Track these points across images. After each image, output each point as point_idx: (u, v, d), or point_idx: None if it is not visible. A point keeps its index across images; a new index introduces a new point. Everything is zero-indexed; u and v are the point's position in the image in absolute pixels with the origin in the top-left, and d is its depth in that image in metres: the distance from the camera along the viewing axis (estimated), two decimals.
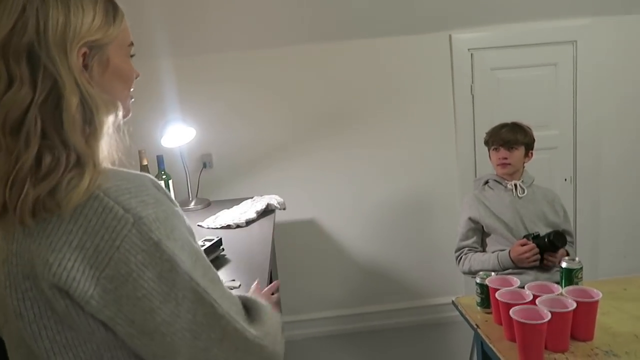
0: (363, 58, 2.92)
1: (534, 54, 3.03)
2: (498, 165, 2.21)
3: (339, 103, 2.95)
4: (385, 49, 2.93)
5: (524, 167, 2.25)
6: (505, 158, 2.17)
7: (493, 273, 1.64)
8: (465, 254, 2.22)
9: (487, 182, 2.27)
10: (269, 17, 2.80)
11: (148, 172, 2.43)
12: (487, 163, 2.93)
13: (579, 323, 1.36)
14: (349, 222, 3.05)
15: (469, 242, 2.23)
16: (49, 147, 0.64)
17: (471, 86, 3.01)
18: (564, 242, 1.99)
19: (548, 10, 2.95)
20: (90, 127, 0.68)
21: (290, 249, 3.02)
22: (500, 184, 2.22)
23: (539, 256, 1.99)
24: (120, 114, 0.75)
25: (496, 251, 2.11)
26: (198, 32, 2.78)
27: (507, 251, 2.05)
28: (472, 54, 2.99)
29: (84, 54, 0.70)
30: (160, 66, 2.74)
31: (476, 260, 2.15)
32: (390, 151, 3.01)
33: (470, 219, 2.22)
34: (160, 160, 2.47)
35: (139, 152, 2.37)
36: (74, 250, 0.63)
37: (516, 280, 1.54)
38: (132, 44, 0.79)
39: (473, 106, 3.03)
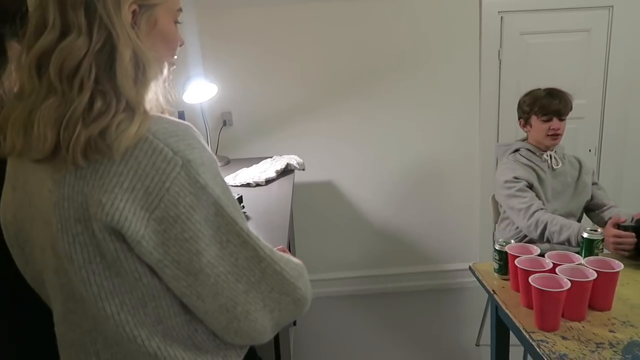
0: (388, 18, 2.85)
1: (567, 18, 2.91)
2: (549, 135, 2.07)
3: (361, 63, 2.89)
4: (412, 9, 2.84)
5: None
6: (558, 129, 2.07)
7: (512, 241, 1.63)
8: (536, 216, 1.94)
9: (517, 150, 2.17)
10: None
11: None
12: (510, 130, 2.91)
13: (598, 293, 1.36)
14: (367, 185, 3.05)
15: (532, 194, 2.01)
16: (101, 93, 0.67)
17: (499, 50, 2.92)
18: None
19: None
20: (141, 78, 0.70)
21: (307, 209, 3.04)
22: (535, 154, 2.13)
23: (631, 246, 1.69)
24: (165, 71, 0.78)
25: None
26: None
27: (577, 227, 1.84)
28: (502, 17, 2.89)
29: (134, 11, 0.71)
30: (183, 18, 2.70)
31: (551, 226, 1.89)
32: (411, 115, 2.97)
33: (515, 177, 2.05)
34: (181, 116, 2.47)
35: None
36: (125, 191, 0.65)
37: (536, 249, 1.53)
38: (180, 9, 0.81)
39: (500, 71, 2.95)
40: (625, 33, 2.91)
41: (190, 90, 2.41)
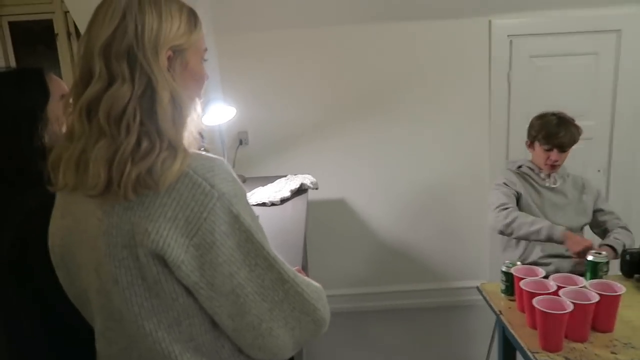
0: (401, 41, 2.94)
1: (575, 42, 2.98)
2: (547, 165, 2.15)
3: (374, 85, 2.99)
4: (424, 33, 2.93)
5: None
6: (556, 160, 2.13)
7: (519, 262, 1.69)
8: (510, 210, 2.06)
9: (520, 167, 2.26)
10: None
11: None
12: (519, 151, 2.96)
13: (600, 315, 1.41)
14: (379, 203, 3.12)
15: (513, 202, 2.12)
16: (146, 134, 0.75)
17: (508, 73, 2.99)
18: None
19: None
20: (178, 117, 0.78)
21: (320, 226, 3.12)
22: (534, 171, 2.21)
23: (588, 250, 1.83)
24: (198, 107, 0.86)
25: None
26: (239, 9, 2.82)
27: (562, 228, 1.97)
28: (511, 40, 2.96)
29: (169, 57, 0.80)
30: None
31: (522, 217, 2.01)
32: (422, 136, 3.05)
33: (506, 183, 2.17)
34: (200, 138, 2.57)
35: None
36: (168, 220, 0.74)
37: (541, 271, 1.58)
38: (206, 49, 0.89)
39: (509, 94, 3.02)
40: (633, 56, 2.97)
41: (209, 113, 2.51)
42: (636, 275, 1.74)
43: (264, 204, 2.30)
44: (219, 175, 0.77)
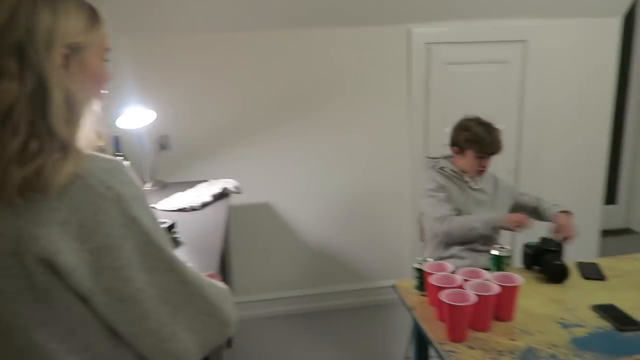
0: (323, 46, 2.99)
1: (487, 51, 3.16)
2: (477, 170, 2.24)
3: (296, 90, 3.01)
4: (346, 39, 2.99)
5: None
6: (485, 167, 2.23)
7: (430, 259, 1.77)
8: (451, 220, 2.16)
9: (442, 168, 2.29)
10: (231, 1, 2.82)
11: (103, 153, 2.44)
12: (437, 153, 3.10)
13: (501, 305, 1.51)
14: (303, 206, 3.15)
15: (449, 207, 2.19)
16: (35, 134, 0.70)
17: (426, 79, 3.12)
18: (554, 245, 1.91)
19: (501, 9, 3.07)
20: (73, 118, 0.75)
21: (245, 231, 3.10)
22: (456, 173, 2.27)
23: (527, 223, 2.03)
24: (96, 107, 0.83)
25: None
26: (158, 10, 2.75)
27: (499, 214, 2.13)
28: (428, 48, 3.09)
29: (66, 54, 0.76)
30: (118, 44, 2.72)
31: (458, 220, 2.14)
32: (344, 139, 3.11)
33: (439, 187, 2.23)
34: (116, 141, 2.48)
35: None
36: (59, 225, 0.70)
37: (449, 266, 1.67)
38: (108, 49, 0.85)
39: (427, 99, 3.15)
40: (538, 64, 3.20)
41: (125, 116, 2.43)
42: (535, 267, 1.86)
43: (183, 209, 2.25)
44: (117, 177, 0.75)
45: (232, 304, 0.92)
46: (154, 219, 0.80)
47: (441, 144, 2.97)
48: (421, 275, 1.73)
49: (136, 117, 2.48)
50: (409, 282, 1.83)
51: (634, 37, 4.22)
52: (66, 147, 0.72)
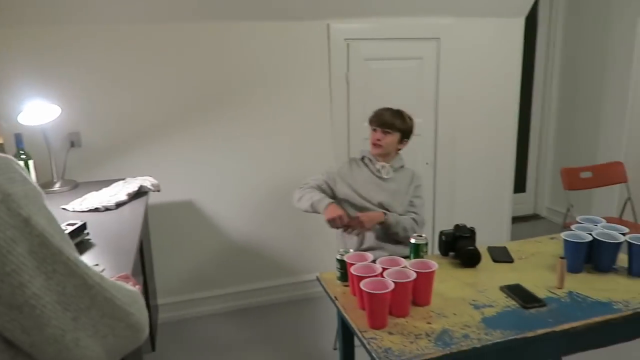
0: (244, 41, 2.94)
1: (403, 47, 3.28)
2: (372, 144, 2.38)
3: (215, 85, 2.95)
4: (267, 34, 2.97)
5: (397, 152, 2.43)
6: (379, 140, 2.34)
7: (351, 250, 1.80)
8: (304, 188, 2.41)
9: (363, 158, 2.45)
10: None
11: (3, 151, 2.26)
12: (359, 147, 3.16)
13: (418, 291, 1.56)
14: (226, 203, 3.09)
15: (313, 184, 2.42)
16: None
17: (346, 74, 3.17)
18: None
19: (417, 8, 3.20)
20: None
21: (167, 230, 2.99)
22: (371, 161, 2.41)
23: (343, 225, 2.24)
24: None
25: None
26: None
27: (327, 202, 2.26)
28: (348, 44, 3.15)
29: None
30: (18, 35, 2.52)
31: (305, 194, 2.36)
32: (268, 134, 3.09)
33: (331, 172, 2.44)
34: (18, 138, 2.30)
35: None
36: None
37: (370, 256, 1.70)
38: None
39: (348, 94, 3.20)
40: (451, 61, 3.35)
41: (27, 111, 2.25)
42: (450, 254, 1.96)
43: (96, 210, 2.13)
44: (5, 174, 0.69)
45: (142, 307, 0.87)
46: (50, 219, 0.74)
47: (362, 137, 3.05)
48: (343, 266, 1.76)
49: (40, 112, 2.31)
50: (332, 274, 1.86)
51: (536, 36, 4.55)
52: None
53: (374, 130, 2.37)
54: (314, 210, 2.30)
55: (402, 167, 2.46)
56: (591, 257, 1.81)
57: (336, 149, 3.22)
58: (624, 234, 1.79)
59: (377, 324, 1.47)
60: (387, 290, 1.43)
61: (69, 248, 0.76)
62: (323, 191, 2.40)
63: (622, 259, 1.83)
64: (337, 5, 3.02)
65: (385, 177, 2.37)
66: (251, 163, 3.09)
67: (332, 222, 2.23)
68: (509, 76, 3.55)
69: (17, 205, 0.68)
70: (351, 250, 1.80)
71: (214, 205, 3.08)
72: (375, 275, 1.54)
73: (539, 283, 1.71)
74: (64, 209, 2.14)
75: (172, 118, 2.90)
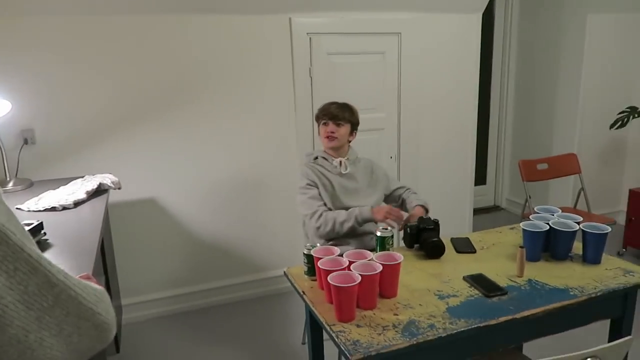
0: (204, 34, 2.89)
1: (365, 42, 3.29)
2: (325, 137, 2.35)
3: (178, 78, 2.89)
4: (227, 27, 2.93)
5: (349, 145, 2.44)
6: (333, 132, 2.33)
7: (318, 244, 1.80)
8: (321, 213, 2.25)
9: (316, 158, 2.41)
10: None
11: None
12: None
13: (384, 283, 1.58)
14: (190, 200, 3.05)
15: (320, 203, 2.28)
16: None
17: (309, 68, 3.17)
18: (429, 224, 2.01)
19: (378, 3, 3.22)
20: None
21: (130, 229, 2.92)
22: (327, 160, 2.38)
23: (400, 215, 2.15)
24: None
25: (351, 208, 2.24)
26: None
27: (367, 207, 2.20)
28: (310, 38, 3.14)
29: None
30: None
31: (329, 215, 2.22)
32: (231, 129, 3.05)
33: (309, 184, 2.31)
34: None
35: None
36: None
37: (336, 250, 1.71)
38: None
39: (311, 88, 3.20)
40: (412, 56, 3.40)
41: None
42: (415, 246, 1.99)
43: (53, 209, 2.05)
44: None
45: (108, 307, 0.85)
46: (10, 215, 0.71)
47: None
48: (310, 260, 1.76)
49: None
50: (300, 269, 1.86)
51: (493, 32, 4.67)
52: None
53: (325, 124, 2.36)
54: (359, 223, 2.20)
55: (357, 158, 2.47)
56: (548, 245, 1.88)
57: (300, 142, 3.22)
58: (578, 223, 1.87)
59: (345, 317, 1.48)
60: (354, 284, 1.44)
61: (31, 245, 0.73)
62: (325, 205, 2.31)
63: (577, 246, 1.91)
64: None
65: (344, 172, 2.37)
66: (214, 159, 3.05)
67: (389, 217, 2.13)
68: (468, 71, 3.63)
69: None
70: (318, 244, 1.80)
71: (176, 203, 3.02)
72: (342, 269, 1.55)
73: (500, 272, 1.76)
74: (18, 208, 2.06)
75: (132, 113, 2.83)
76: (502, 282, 1.68)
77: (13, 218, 0.72)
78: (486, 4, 3.51)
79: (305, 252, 1.77)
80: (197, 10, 2.82)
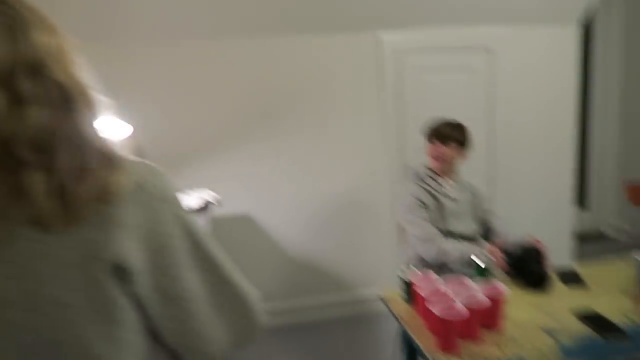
0: (294, 54, 2.98)
1: (458, 57, 3.22)
2: (433, 157, 2.24)
3: (269, 98, 3.00)
4: (315, 46, 3.00)
5: (454, 165, 2.30)
6: (442, 152, 2.21)
7: (413, 267, 1.78)
8: (432, 238, 2.13)
9: (420, 175, 2.30)
10: (201, 10, 2.77)
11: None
12: (413, 159, 3.13)
13: (489, 315, 1.53)
14: (280, 215, 3.13)
15: (431, 225, 2.16)
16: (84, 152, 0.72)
17: (397, 86, 3.15)
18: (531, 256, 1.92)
19: (472, 17, 3.14)
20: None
21: (224, 243, 3.03)
22: (434, 180, 2.26)
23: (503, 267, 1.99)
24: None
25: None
26: (123, 19, 2.68)
27: (481, 250, 2.04)
28: (399, 55, 3.12)
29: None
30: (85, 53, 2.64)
31: (442, 245, 2.10)
32: (321, 147, 3.11)
33: (419, 204, 2.19)
34: None
35: None
36: (125, 229, 0.72)
37: (435, 277, 1.68)
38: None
39: (399, 106, 3.17)
40: (508, 72, 3.28)
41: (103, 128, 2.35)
42: (517, 275, 1.90)
43: None
44: (162, 181, 0.78)
45: (262, 310, 0.93)
46: (196, 221, 0.82)
47: (416, 149, 3.01)
48: (407, 285, 1.74)
49: (109, 130, 2.40)
50: (395, 293, 1.84)
51: (593, 43, 4.38)
52: (111, 157, 0.74)
53: (433, 143, 2.26)
54: (468, 263, 2.03)
55: (462, 180, 2.37)
56: None
57: (389, 161, 3.20)
58: None
59: (448, 348, 1.44)
60: (460, 318, 1.41)
61: (214, 246, 0.84)
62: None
63: None
64: (387, 15, 3.01)
65: (452, 196, 2.27)
66: (305, 176, 3.12)
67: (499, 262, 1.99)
68: (565, 84, 3.42)
69: (176, 207, 0.78)
70: (413, 267, 1.78)
71: (269, 218, 3.11)
72: (445, 298, 1.51)
73: (614, 309, 1.64)
74: None
75: (228, 131, 2.97)
76: (618, 321, 1.56)
77: (198, 224, 0.83)
78: (581, 11, 3.30)
79: (401, 276, 1.75)
80: (289, 31, 2.91)
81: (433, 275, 1.69)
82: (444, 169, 2.27)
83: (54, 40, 0.74)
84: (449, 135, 2.24)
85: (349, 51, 3.05)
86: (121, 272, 0.72)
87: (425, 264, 2.17)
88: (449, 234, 2.17)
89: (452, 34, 3.17)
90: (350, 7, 2.91)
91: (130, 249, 0.72)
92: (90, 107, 0.75)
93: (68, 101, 0.72)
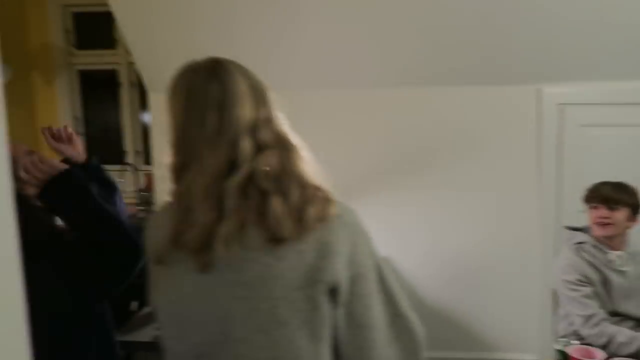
0: (447, 105, 2.98)
1: (629, 113, 2.94)
2: (596, 224, 1.98)
3: (419, 147, 3.02)
4: (471, 98, 2.97)
5: (626, 232, 2.03)
6: (606, 217, 1.95)
7: (575, 341, 1.62)
8: (600, 323, 1.86)
9: (581, 244, 2.03)
10: (363, 59, 2.93)
11: None
12: (573, 222, 2.87)
13: None
14: (420, 264, 3.09)
15: (597, 304, 1.90)
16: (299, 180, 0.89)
17: (559, 142, 2.96)
18: None
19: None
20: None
21: None
22: (599, 249, 1.99)
23: None
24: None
25: None
26: (288, 66, 2.92)
27: None
28: (561, 109, 2.95)
29: None
30: None
31: (624, 332, 1.82)
32: (468, 199, 3.03)
33: (581, 280, 1.94)
34: None
35: None
36: (337, 255, 0.83)
37: (600, 353, 1.51)
38: None
39: (560, 163, 2.97)
40: None
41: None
42: None
43: None
44: (356, 215, 0.90)
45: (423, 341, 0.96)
46: (379, 253, 0.91)
47: (576, 210, 2.78)
48: (564, 357, 1.59)
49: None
50: None
51: None
52: (323, 190, 0.88)
53: (595, 207, 2.00)
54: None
55: (636, 250, 2.05)
56: None
57: (544, 221, 2.98)
58: None
59: None
60: None
61: (395, 283, 0.91)
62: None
63: None
64: (551, 68, 2.88)
65: (623, 269, 1.97)
66: (450, 227, 3.05)
67: None
68: None
69: (368, 241, 0.88)
70: (574, 341, 1.62)
71: (406, 264, 3.09)
72: None
73: None
74: None
75: (375, 177, 3.04)
76: None
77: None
78: None
79: (559, 349, 1.61)
80: (441, 82, 2.92)
81: (598, 352, 1.52)
82: (610, 237, 1.99)
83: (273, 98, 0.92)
84: (616, 198, 1.98)
85: (507, 104, 2.98)
86: (334, 293, 0.82)
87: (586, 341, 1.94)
88: (617, 315, 1.89)
89: (624, 89, 2.91)
90: (512, 59, 2.85)
91: (341, 274, 0.82)
92: (297, 149, 0.90)
93: (286, 147, 0.88)
